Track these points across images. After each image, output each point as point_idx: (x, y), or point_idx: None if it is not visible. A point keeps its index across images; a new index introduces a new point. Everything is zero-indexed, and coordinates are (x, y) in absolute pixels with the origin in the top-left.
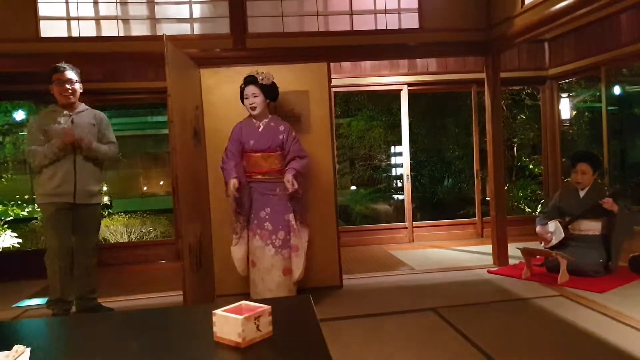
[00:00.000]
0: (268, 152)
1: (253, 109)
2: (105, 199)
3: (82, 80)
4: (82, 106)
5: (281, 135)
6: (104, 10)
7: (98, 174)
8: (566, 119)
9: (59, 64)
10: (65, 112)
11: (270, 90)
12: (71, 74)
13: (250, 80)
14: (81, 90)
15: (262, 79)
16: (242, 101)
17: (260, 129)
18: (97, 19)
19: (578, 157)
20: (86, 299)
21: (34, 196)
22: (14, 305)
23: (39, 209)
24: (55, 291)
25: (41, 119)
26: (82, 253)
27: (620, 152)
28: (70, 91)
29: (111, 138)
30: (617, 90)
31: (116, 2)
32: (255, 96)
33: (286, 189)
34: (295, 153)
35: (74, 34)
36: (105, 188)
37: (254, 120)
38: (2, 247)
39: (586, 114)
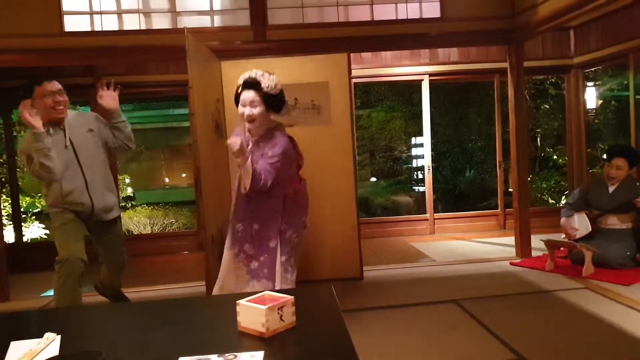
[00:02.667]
0: None
1: (251, 121)
2: (129, 191)
3: (105, 74)
4: (69, 114)
5: (262, 153)
6: (125, 3)
7: (111, 181)
8: (592, 109)
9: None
10: (53, 128)
11: (275, 101)
12: (58, 84)
13: (251, 84)
14: (68, 102)
15: (269, 87)
16: (236, 104)
17: (249, 147)
18: (119, 12)
19: (615, 151)
20: (110, 288)
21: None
22: (42, 295)
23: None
24: (60, 304)
25: (30, 142)
26: (110, 264)
27: None
28: (63, 104)
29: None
30: None
31: None
32: (254, 106)
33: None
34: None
35: (97, 28)
36: (128, 180)
37: (247, 134)
38: (30, 238)
39: (613, 103)
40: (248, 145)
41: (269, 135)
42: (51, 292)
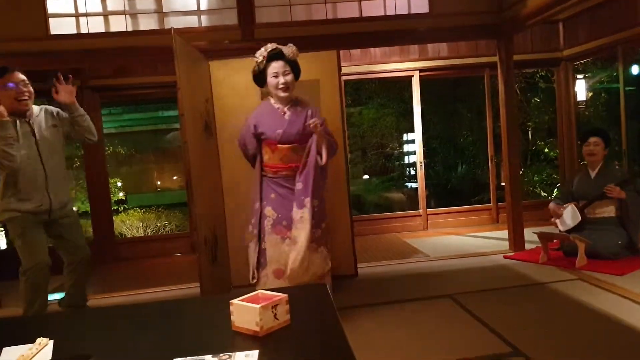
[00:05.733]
0: (300, 144)
1: (285, 89)
2: (121, 195)
3: (92, 77)
4: (35, 108)
5: (304, 119)
6: (111, 5)
7: (68, 178)
8: (582, 101)
9: (3, 66)
10: (19, 120)
11: (297, 68)
12: (22, 75)
13: (278, 54)
14: (34, 95)
15: (290, 54)
16: (260, 82)
17: (285, 116)
18: (105, 14)
19: (589, 132)
20: (77, 305)
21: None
22: None
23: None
24: (29, 309)
25: None
26: (73, 256)
27: (639, 133)
28: (27, 95)
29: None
30: (635, 69)
31: None
32: (287, 74)
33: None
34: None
35: (83, 30)
36: (119, 183)
37: (276, 106)
38: None
39: (602, 95)
40: (284, 114)
41: (299, 102)
42: None
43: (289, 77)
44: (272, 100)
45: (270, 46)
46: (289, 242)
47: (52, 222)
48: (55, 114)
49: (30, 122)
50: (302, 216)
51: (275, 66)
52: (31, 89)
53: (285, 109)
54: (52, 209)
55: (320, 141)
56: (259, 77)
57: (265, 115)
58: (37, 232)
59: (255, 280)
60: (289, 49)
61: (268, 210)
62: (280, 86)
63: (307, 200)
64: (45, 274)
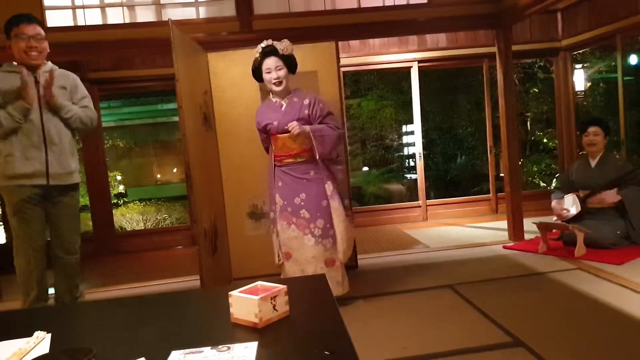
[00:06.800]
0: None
1: (278, 83)
2: (120, 188)
3: (91, 69)
4: (48, 65)
5: (307, 109)
6: None
7: (74, 146)
8: (580, 91)
9: (21, 15)
10: (26, 71)
11: (292, 62)
12: (39, 28)
13: (270, 51)
14: (48, 50)
15: (284, 50)
16: (258, 77)
17: (282, 108)
18: (102, 6)
19: (588, 122)
20: (72, 299)
21: None
22: None
23: None
24: (28, 293)
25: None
26: (63, 249)
27: (637, 123)
28: (38, 50)
29: (87, 104)
30: (633, 59)
31: None
32: (279, 69)
33: (318, 172)
34: (323, 122)
35: (80, 22)
36: (119, 177)
37: (274, 100)
38: None
39: (601, 84)
40: (282, 106)
41: (298, 94)
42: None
43: (282, 72)
44: (271, 96)
45: (264, 43)
46: (294, 228)
47: (53, 191)
48: (71, 79)
49: (37, 75)
50: (333, 205)
51: (268, 62)
52: (45, 44)
53: (283, 102)
54: (49, 172)
55: (302, 140)
56: (257, 73)
57: (265, 109)
58: (31, 213)
59: (280, 262)
60: (282, 45)
61: (277, 198)
62: (274, 81)
63: (330, 185)
64: (36, 257)
